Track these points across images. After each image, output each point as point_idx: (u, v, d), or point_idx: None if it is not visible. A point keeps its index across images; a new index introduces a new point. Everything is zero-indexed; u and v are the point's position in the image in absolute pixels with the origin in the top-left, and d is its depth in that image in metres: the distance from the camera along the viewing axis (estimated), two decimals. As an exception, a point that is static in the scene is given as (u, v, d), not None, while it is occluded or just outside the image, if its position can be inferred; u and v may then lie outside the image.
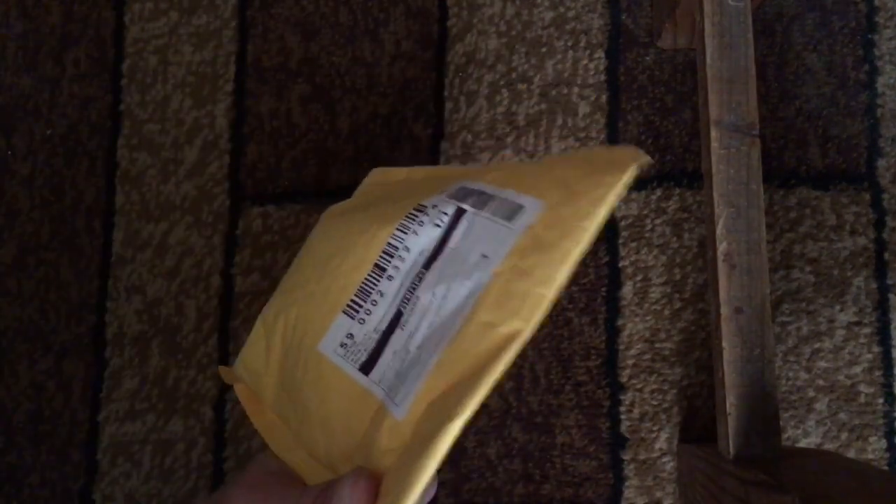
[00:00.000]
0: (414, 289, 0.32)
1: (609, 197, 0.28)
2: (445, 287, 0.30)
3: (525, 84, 0.59)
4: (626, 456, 0.55)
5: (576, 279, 0.57)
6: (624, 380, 0.56)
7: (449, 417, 0.26)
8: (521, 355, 0.58)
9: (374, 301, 0.33)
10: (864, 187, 0.57)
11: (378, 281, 0.33)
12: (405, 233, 0.33)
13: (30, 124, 0.63)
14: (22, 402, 0.60)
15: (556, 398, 0.56)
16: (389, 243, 0.33)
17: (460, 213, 0.32)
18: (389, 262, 0.33)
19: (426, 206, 0.33)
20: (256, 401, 0.39)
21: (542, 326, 0.56)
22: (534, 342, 0.56)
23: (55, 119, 0.63)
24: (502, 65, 0.60)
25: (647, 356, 0.56)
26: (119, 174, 0.62)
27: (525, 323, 0.28)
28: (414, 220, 0.33)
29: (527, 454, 0.55)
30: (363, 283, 0.33)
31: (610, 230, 0.57)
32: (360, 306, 0.33)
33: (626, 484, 0.55)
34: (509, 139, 0.59)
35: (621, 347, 0.56)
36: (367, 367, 0.32)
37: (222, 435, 0.58)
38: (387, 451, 0.29)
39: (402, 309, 0.32)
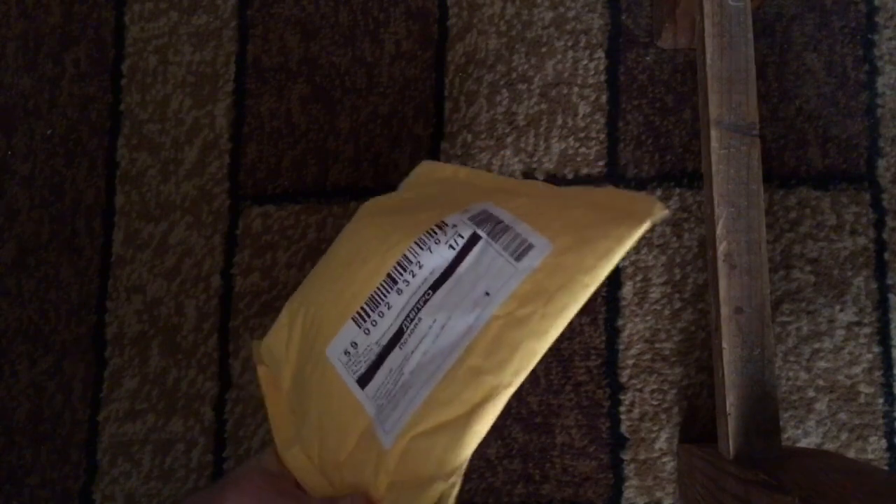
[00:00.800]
0: (419, 309, 0.32)
1: (617, 252, 0.28)
2: (446, 316, 0.31)
3: (525, 84, 0.59)
4: (626, 456, 0.55)
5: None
6: (624, 380, 0.56)
7: (430, 480, 0.27)
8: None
9: (381, 313, 0.33)
10: (864, 187, 0.57)
11: (388, 293, 0.33)
12: (421, 248, 0.33)
13: (30, 124, 0.63)
14: (22, 402, 0.60)
15: (556, 398, 0.56)
16: (405, 255, 0.33)
17: (475, 238, 0.32)
18: (402, 275, 0.33)
19: (447, 225, 0.33)
20: (276, 387, 0.39)
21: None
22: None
23: (55, 119, 0.63)
24: (502, 65, 0.60)
25: (647, 356, 0.56)
26: (119, 174, 0.62)
27: (512, 377, 0.28)
28: (432, 236, 0.33)
29: (527, 454, 0.55)
30: (374, 292, 0.34)
31: (610, 230, 0.57)
32: (368, 316, 0.34)
33: (626, 484, 0.55)
34: (509, 139, 0.59)
35: (621, 347, 0.56)
36: (363, 381, 0.33)
37: (222, 435, 0.58)
38: (375, 476, 0.30)
39: (405, 328, 0.32)
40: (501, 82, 0.59)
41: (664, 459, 0.55)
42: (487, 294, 0.30)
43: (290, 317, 0.38)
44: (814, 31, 0.58)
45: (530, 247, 0.30)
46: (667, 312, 0.56)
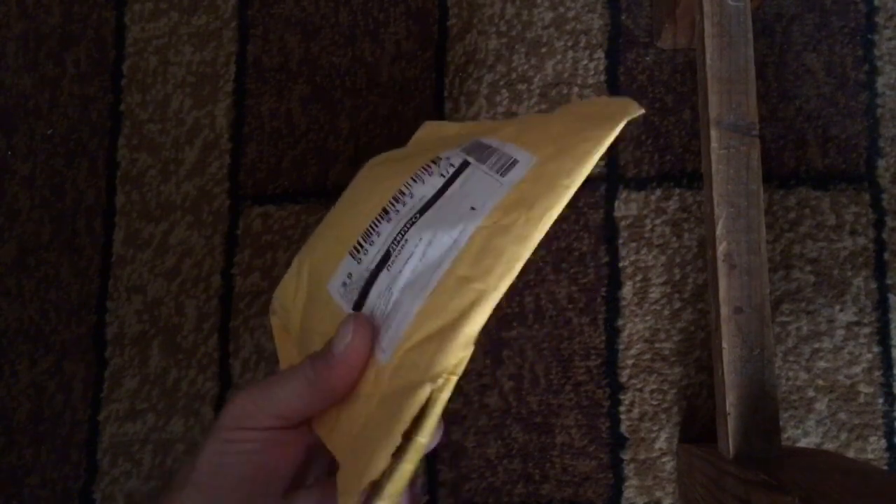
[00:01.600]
0: (405, 231, 0.32)
1: (594, 152, 0.29)
2: (431, 234, 0.31)
3: (525, 84, 0.59)
4: (626, 456, 0.55)
5: (575, 279, 0.57)
6: (624, 380, 0.56)
7: (420, 381, 0.27)
8: (521, 355, 0.58)
9: (372, 241, 0.34)
10: (863, 187, 0.57)
11: (380, 223, 0.34)
12: (415, 181, 0.34)
13: (30, 124, 0.63)
14: (22, 402, 0.60)
15: (556, 398, 0.56)
16: (400, 190, 0.34)
17: (465, 165, 0.33)
18: (394, 206, 0.34)
19: (441, 158, 0.34)
20: (286, 336, 0.39)
21: (542, 326, 0.56)
22: (534, 342, 0.56)
23: (56, 119, 0.63)
24: (502, 65, 0.60)
25: (647, 356, 0.56)
26: (119, 174, 0.62)
27: (498, 281, 0.28)
28: (426, 170, 0.34)
29: (526, 454, 0.55)
30: (369, 225, 0.34)
31: (610, 230, 0.57)
32: (362, 247, 0.34)
33: (626, 484, 0.55)
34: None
35: (621, 347, 0.56)
36: (357, 306, 0.33)
37: (222, 435, 0.58)
38: (370, 395, 0.30)
39: (391, 250, 0.32)
40: (501, 82, 0.60)
41: (664, 459, 0.55)
42: (473, 209, 0.31)
43: (298, 266, 0.39)
44: (813, 31, 0.59)
45: (515, 162, 0.31)
46: (666, 312, 0.56)
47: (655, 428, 0.55)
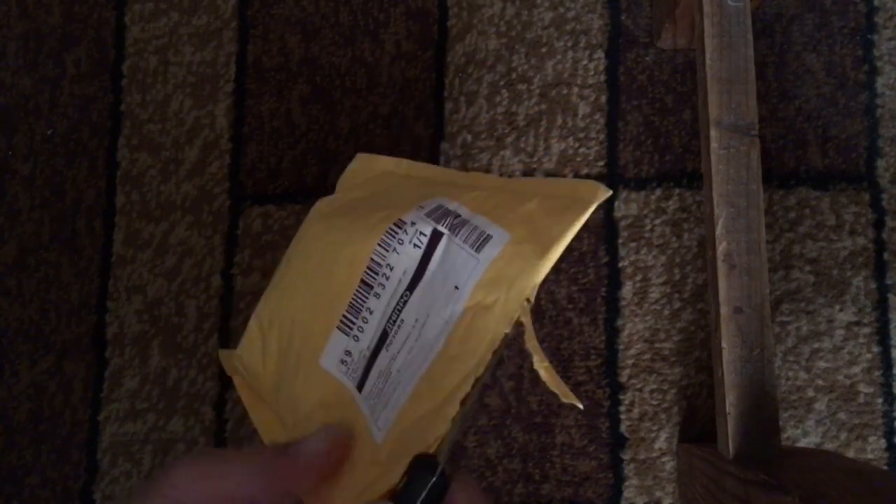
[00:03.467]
0: (399, 310, 0.33)
1: (566, 235, 0.31)
2: (425, 314, 0.32)
3: (525, 84, 0.59)
4: (626, 455, 0.55)
5: (575, 279, 0.57)
6: (623, 380, 0.56)
7: (408, 451, 0.29)
8: (521, 354, 0.58)
9: (365, 318, 0.34)
10: (863, 187, 0.57)
11: (366, 298, 0.35)
12: (386, 250, 0.34)
13: (30, 124, 0.63)
14: (22, 402, 0.60)
15: (556, 398, 0.56)
16: (373, 259, 0.35)
17: (437, 235, 0.34)
18: (375, 278, 0.35)
19: (405, 223, 0.34)
20: (254, 396, 0.40)
21: (542, 326, 0.56)
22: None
23: (56, 119, 0.63)
24: (502, 65, 0.60)
25: (647, 356, 0.56)
26: (120, 174, 0.62)
27: (479, 361, 0.30)
28: (394, 236, 0.34)
29: (527, 454, 0.55)
30: (353, 299, 0.35)
31: (610, 230, 0.57)
32: (353, 323, 0.35)
33: (626, 483, 0.55)
34: (509, 139, 0.59)
35: (621, 347, 0.56)
36: (360, 385, 0.34)
37: (223, 435, 0.58)
38: (370, 464, 0.31)
39: (388, 329, 0.34)
40: (501, 83, 0.60)
41: (664, 459, 0.55)
42: (456, 287, 0.32)
43: (262, 331, 0.39)
44: (813, 31, 0.59)
45: (489, 238, 0.32)
46: (666, 312, 0.56)
47: (655, 428, 0.55)
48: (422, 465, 0.28)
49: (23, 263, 0.62)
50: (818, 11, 0.59)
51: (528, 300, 0.30)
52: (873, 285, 0.56)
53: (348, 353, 0.34)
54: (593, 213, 0.31)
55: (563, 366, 0.56)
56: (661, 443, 0.55)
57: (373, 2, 0.62)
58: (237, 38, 0.63)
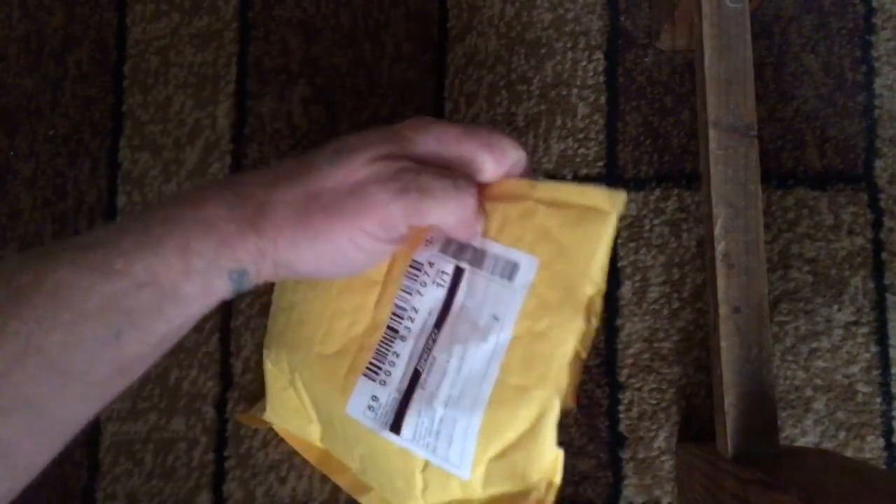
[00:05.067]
0: (430, 349, 0.33)
1: (600, 250, 0.31)
2: (462, 348, 0.32)
3: (524, 85, 0.60)
4: (625, 455, 0.55)
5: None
6: (623, 379, 0.56)
7: (523, 491, 0.30)
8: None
9: (392, 363, 0.34)
10: (861, 188, 0.57)
11: (393, 342, 0.34)
12: (409, 294, 0.34)
13: (32, 125, 0.64)
14: (24, 401, 0.60)
15: (556, 397, 0.56)
16: (397, 304, 0.35)
17: (459, 271, 0.33)
18: (401, 322, 0.34)
19: (422, 264, 0.34)
20: (309, 444, 0.41)
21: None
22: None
23: (57, 119, 0.64)
24: (502, 66, 0.60)
25: (646, 355, 0.56)
26: (121, 175, 0.62)
27: (556, 385, 0.30)
28: (415, 280, 0.34)
29: (526, 453, 0.56)
30: (379, 345, 0.35)
31: (609, 230, 0.57)
32: (380, 368, 0.34)
33: (625, 482, 0.55)
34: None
35: (620, 347, 0.56)
36: (395, 427, 0.34)
37: (224, 434, 0.58)
38: (462, 501, 0.32)
39: (420, 369, 0.33)
40: (501, 83, 0.60)
41: (663, 458, 0.55)
42: (496, 318, 0.32)
43: (294, 385, 0.39)
44: (812, 32, 0.59)
45: (516, 265, 0.32)
46: (665, 312, 0.56)
47: (654, 427, 0.55)
48: None
49: (24, 263, 0.62)
50: (816, 12, 0.59)
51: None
52: (871, 285, 0.56)
53: (375, 398, 0.34)
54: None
55: (562, 365, 0.56)
56: (659, 442, 0.55)
57: (373, 3, 0.62)
58: (238, 40, 0.63)
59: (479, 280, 0.33)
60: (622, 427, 0.55)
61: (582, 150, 0.59)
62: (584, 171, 0.58)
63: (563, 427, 0.55)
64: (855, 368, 0.55)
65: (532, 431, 0.30)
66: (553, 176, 0.58)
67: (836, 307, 0.56)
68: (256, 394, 0.58)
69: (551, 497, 0.30)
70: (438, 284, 0.34)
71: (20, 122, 0.64)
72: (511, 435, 0.31)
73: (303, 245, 0.29)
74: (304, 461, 0.56)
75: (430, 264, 0.34)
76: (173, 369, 0.59)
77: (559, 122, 0.59)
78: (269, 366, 0.40)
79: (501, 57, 0.60)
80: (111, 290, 0.27)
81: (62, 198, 0.63)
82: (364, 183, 0.29)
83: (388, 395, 0.34)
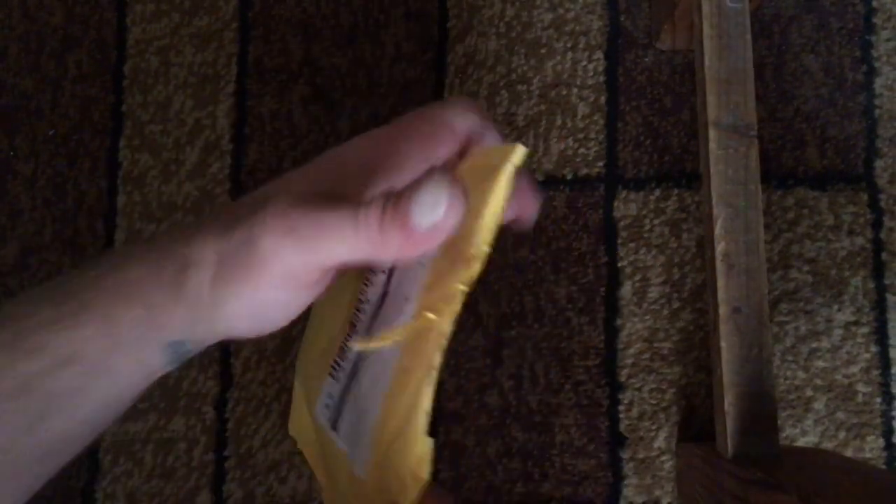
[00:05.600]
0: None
1: (487, 210, 0.26)
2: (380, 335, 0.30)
3: (524, 85, 0.60)
4: (625, 455, 0.55)
5: (575, 279, 0.57)
6: (623, 379, 0.56)
7: (400, 487, 0.27)
8: (521, 354, 0.58)
9: (346, 358, 0.32)
10: (861, 187, 0.57)
11: (350, 337, 0.33)
12: (367, 285, 0.33)
13: (32, 125, 0.64)
14: (24, 401, 0.60)
15: (556, 397, 0.56)
16: (359, 298, 0.33)
17: None
18: (358, 316, 0.33)
19: None
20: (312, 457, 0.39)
21: (542, 326, 0.56)
22: (533, 342, 0.56)
23: (57, 119, 0.64)
24: (502, 66, 0.60)
25: (646, 356, 0.56)
26: (121, 175, 0.62)
27: (431, 368, 0.27)
28: (372, 269, 0.32)
29: (526, 453, 0.56)
30: (342, 342, 0.33)
31: (609, 230, 0.57)
32: (339, 365, 0.33)
33: (625, 482, 0.55)
34: (509, 140, 0.59)
35: (620, 347, 0.56)
36: (334, 424, 0.32)
37: (224, 434, 0.58)
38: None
39: (359, 363, 0.32)
40: (501, 83, 0.60)
41: (663, 458, 0.55)
42: (407, 298, 0.30)
43: (304, 395, 0.38)
44: (812, 32, 0.59)
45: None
46: (665, 312, 0.56)
47: (654, 427, 0.55)
48: None
49: (24, 264, 0.62)
50: (817, 12, 0.59)
51: (463, 287, 0.26)
52: (871, 285, 0.56)
53: (330, 395, 0.33)
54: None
55: (562, 365, 0.56)
56: (660, 442, 0.55)
57: (373, 3, 0.62)
58: (238, 39, 0.63)
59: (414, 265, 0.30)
60: (622, 427, 0.55)
61: (582, 150, 0.58)
62: (584, 171, 0.58)
63: (563, 427, 0.56)
64: (855, 368, 0.55)
65: (409, 419, 0.27)
66: (553, 176, 0.58)
67: (836, 307, 0.56)
68: (256, 394, 0.58)
69: (414, 494, 0.27)
70: (382, 271, 0.32)
71: (20, 122, 0.64)
72: (396, 423, 0.28)
73: (226, 305, 0.26)
74: (304, 461, 0.56)
75: None
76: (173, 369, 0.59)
77: (559, 121, 0.59)
78: (296, 384, 0.39)
79: (501, 57, 0.60)
80: (28, 370, 0.24)
81: (62, 198, 0.63)
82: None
83: (337, 391, 0.32)
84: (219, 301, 0.26)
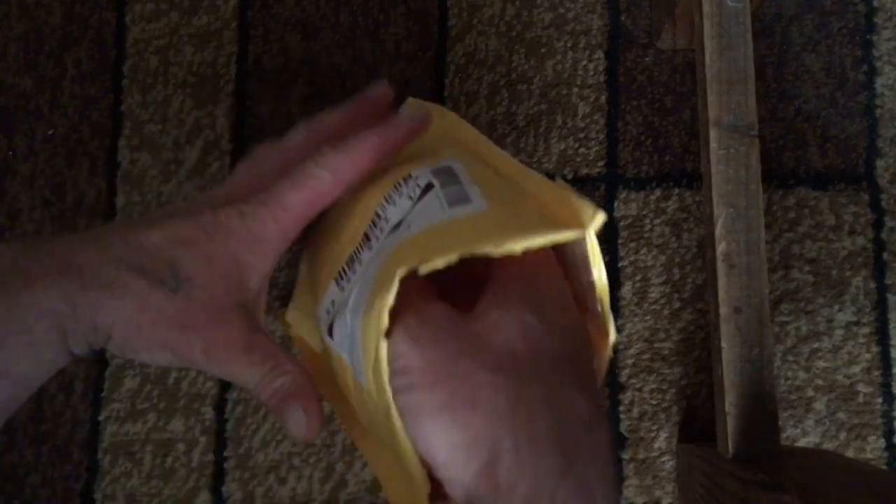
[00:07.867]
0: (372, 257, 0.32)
1: (522, 243, 0.27)
2: (377, 255, 0.31)
3: (525, 84, 0.59)
4: (626, 455, 0.55)
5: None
6: (623, 379, 0.56)
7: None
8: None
9: (355, 269, 0.33)
10: (862, 187, 0.57)
11: (362, 250, 0.33)
12: (388, 202, 0.33)
13: (31, 124, 0.63)
14: (23, 402, 0.60)
15: (556, 398, 0.56)
16: (377, 212, 0.33)
17: (429, 187, 0.32)
18: (374, 230, 0.33)
19: (411, 177, 0.33)
20: (309, 349, 0.39)
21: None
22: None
23: (56, 119, 0.63)
24: (502, 65, 0.60)
25: (647, 356, 0.56)
26: (120, 174, 0.62)
27: (385, 294, 0.27)
28: (398, 189, 0.33)
29: (526, 453, 0.55)
30: (352, 251, 0.33)
31: (609, 230, 0.57)
32: (345, 274, 0.33)
33: (626, 483, 0.55)
34: (509, 139, 0.59)
35: (620, 347, 0.56)
36: (330, 331, 0.32)
37: (223, 434, 0.58)
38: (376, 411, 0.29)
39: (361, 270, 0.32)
40: (501, 83, 0.60)
41: (663, 459, 0.55)
42: (409, 228, 0.30)
43: (309, 281, 0.38)
44: (813, 31, 0.59)
45: (467, 200, 0.30)
46: (666, 312, 0.56)
47: (655, 427, 0.55)
48: None
49: (23, 263, 0.62)
50: (817, 12, 0.59)
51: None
52: (872, 285, 0.56)
53: (333, 302, 0.33)
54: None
55: (562, 366, 0.56)
56: (660, 442, 0.55)
57: (373, 2, 0.62)
58: (237, 39, 0.63)
59: (433, 199, 0.31)
60: (623, 427, 0.55)
61: (582, 150, 0.58)
62: (584, 171, 0.58)
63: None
64: (856, 369, 0.55)
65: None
66: (552, 176, 0.58)
67: (837, 307, 0.56)
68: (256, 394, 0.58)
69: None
70: (409, 197, 0.32)
71: (19, 121, 0.64)
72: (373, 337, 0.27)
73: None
74: (304, 461, 0.56)
75: (416, 178, 0.33)
76: (172, 370, 0.59)
77: (559, 121, 0.59)
78: (301, 268, 0.39)
79: (501, 56, 0.60)
80: None
81: (61, 198, 0.62)
82: None
83: (342, 300, 0.32)
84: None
